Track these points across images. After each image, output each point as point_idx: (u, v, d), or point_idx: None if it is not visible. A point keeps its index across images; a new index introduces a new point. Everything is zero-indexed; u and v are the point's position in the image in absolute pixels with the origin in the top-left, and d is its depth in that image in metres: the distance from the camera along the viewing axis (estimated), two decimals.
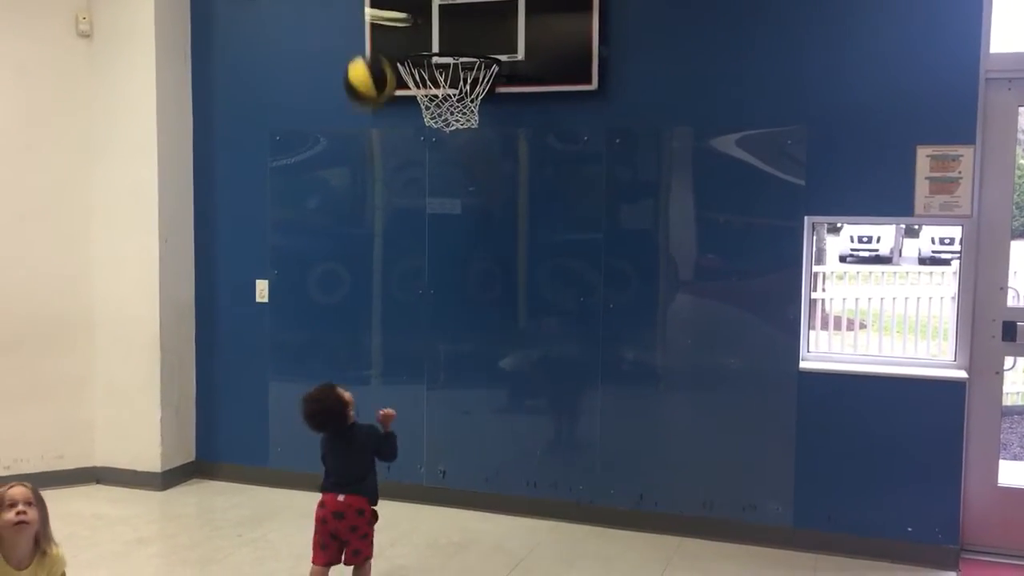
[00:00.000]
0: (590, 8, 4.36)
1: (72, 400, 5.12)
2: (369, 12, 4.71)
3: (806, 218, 4.30)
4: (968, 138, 4.07)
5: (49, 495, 4.83)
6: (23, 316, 4.98)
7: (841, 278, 11.53)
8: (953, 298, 4.50)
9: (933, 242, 17.99)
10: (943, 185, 4.09)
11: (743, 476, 4.42)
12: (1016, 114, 4.17)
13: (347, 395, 3.62)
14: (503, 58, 4.39)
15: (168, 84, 5.05)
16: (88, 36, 5.03)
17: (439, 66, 4.34)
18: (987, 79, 4.09)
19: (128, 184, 5.02)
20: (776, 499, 4.37)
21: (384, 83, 4.03)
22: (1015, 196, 4.35)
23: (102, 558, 4.15)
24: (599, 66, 4.40)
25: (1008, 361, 4.28)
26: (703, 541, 4.43)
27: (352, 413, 3.62)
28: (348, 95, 4.08)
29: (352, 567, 3.61)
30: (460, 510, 4.80)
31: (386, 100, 4.11)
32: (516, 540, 4.44)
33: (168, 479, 5.15)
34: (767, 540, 4.36)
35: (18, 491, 2.64)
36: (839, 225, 16.41)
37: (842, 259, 18.23)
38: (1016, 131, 4.20)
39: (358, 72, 4.00)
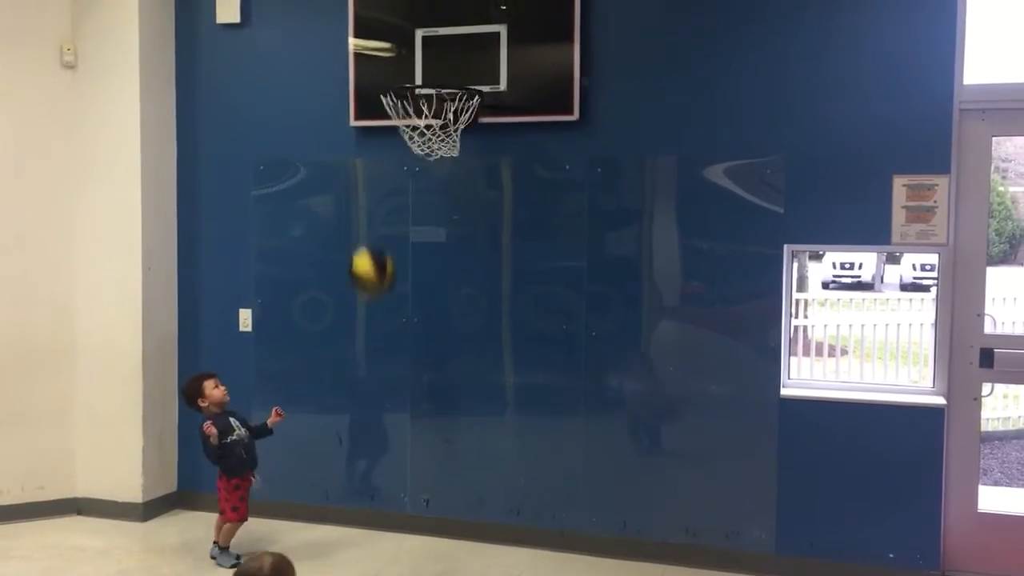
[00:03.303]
0: (571, 39, 4.43)
1: (54, 429, 5.08)
2: (353, 42, 4.76)
3: (785, 246, 4.34)
4: (943, 167, 4.14)
5: (29, 527, 4.90)
6: (5, 343, 4.96)
7: (823, 304, 11.62)
8: (933, 324, 4.54)
9: (914, 268, 18.15)
10: (919, 214, 4.15)
11: (725, 503, 4.43)
12: (990, 144, 4.24)
13: (213, 392, 4.45)
14: (486, 89, 4.44)
15: (152, 114, 5.07)
16: (73, 67, 5.05)
17: (422, 96, 4.38)
18: (961, 110, 4.16)
19: (112, 213, 5.02)
20: (758, 526, 4.38)
21: (384, 271, 4.23)
22: (992, 223, 4.40)
23: None
24: (580, 96, 4.46)
25: (986, 387, 4.31)
26: (686, 569, 4.42)
27: (205, 404, 4.45)
28: (353, 283, 4.29)
29: None
30: (443, 539, 4.79)
31: (388, 287, 4.28)
32: (499, 569, 4.43)
33: (150, 510, 5.11)
34: (750, 567, 4.36)
35: None
36: (821, 252, 16.54)
37: (824, 285, 18.35)
38: (990, 160, 4.27)
39: (362, 262, 4.22)
